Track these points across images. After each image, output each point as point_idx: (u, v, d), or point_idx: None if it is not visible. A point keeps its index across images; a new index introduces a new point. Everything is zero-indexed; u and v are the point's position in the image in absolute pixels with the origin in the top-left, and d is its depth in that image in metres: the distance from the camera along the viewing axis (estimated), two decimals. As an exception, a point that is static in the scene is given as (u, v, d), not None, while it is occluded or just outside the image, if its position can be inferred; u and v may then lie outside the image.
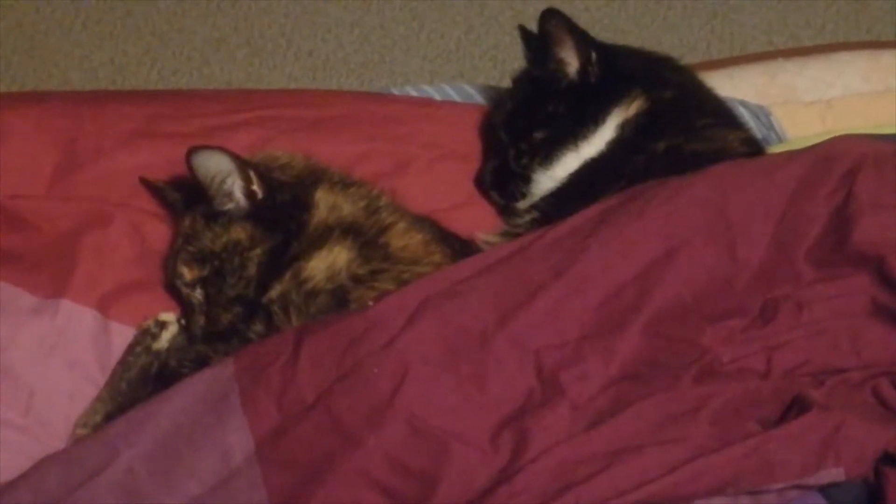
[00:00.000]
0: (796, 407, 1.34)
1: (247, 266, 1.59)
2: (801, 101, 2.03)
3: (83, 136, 1.77)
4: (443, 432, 1.33)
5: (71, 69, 2.81)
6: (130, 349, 1.62)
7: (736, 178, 1.51)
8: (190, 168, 1.57)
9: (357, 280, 1.56)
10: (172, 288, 1.66)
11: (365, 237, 1.60)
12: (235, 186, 1.59)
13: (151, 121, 1.81)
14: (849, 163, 1.48)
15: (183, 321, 1.64)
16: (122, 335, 1.63)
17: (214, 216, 1.60)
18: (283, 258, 1.59)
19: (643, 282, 1.42)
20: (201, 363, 1.52)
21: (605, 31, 2.83)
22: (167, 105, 1.87)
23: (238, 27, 2.85)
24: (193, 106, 1.86)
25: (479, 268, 1.48)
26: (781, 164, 1.53)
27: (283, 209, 1.61)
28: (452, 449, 1.32)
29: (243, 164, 1.59)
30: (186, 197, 1.67)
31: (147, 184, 1.73)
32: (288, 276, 1.58)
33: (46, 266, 1.66)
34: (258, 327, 1.57)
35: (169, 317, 1.64)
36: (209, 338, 1.59)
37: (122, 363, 1.61)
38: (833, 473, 1.28)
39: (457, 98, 1.99)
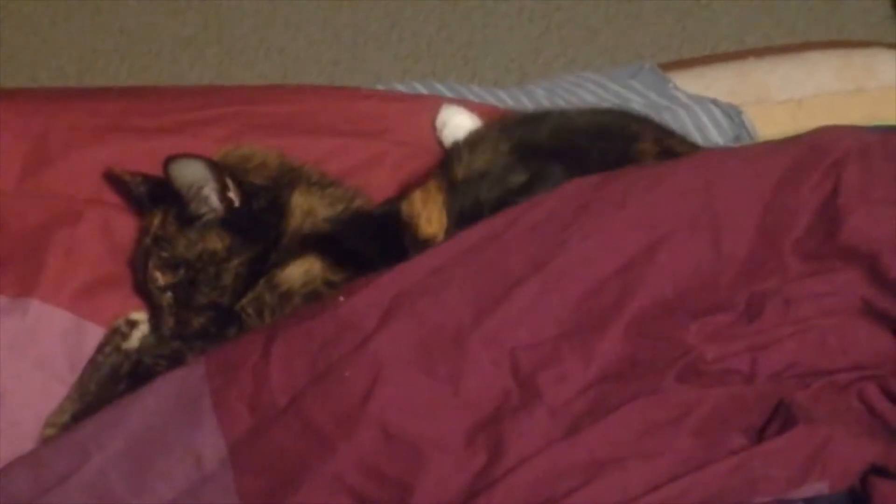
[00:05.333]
0: (781, 414, 1.32)
1: (222, 276, 1.57)
2: (773, 100, 2.03)
3: (53, 131, 1.75)
4: (416, 437, 1.31)
5: (39, 67, 2.80)
6: (100, 348, 1.60)
7: (720, 166, 1.49)
8: (167, 176, 1.55)
9: (332, 285, 1.55)
10: (142, 287, 1.64)
11: None
12: (212, 194, 1.58)
13: (122, 116, 1.79)
14: (836, 153, 1.46)
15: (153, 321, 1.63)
16: (92, 334, 1.61)
17: (188, 220, 1.59)
18: (260, 269, 1.57)
19: (625, 277, 1.39)
20: (176, 360, 1.50)
21: (578, 29, 2.85)
22: (138, 101, 1.85)
23: (208, 24, 2.84)
24: (165, 101, 1.85)
25: (453, 256, 1.44)
26: (767, 153, 1.51)
27: (260, 216, 1.60)
28: (427, 454, 1.30)
29: (220, 172, 1.57)
30: (153, 191, 1.65)
31: (113, 177, 1.71)
32: (261, 283, 1.57)
33: (15, 265, 1.65)
34: (232, 331, 1.55)
35: (140, 316, 1.63)
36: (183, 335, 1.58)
37: (92, 363, 1.59)
38: (817, 487, 1.27)
39: (428, 97, 1.99)
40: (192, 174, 1.56)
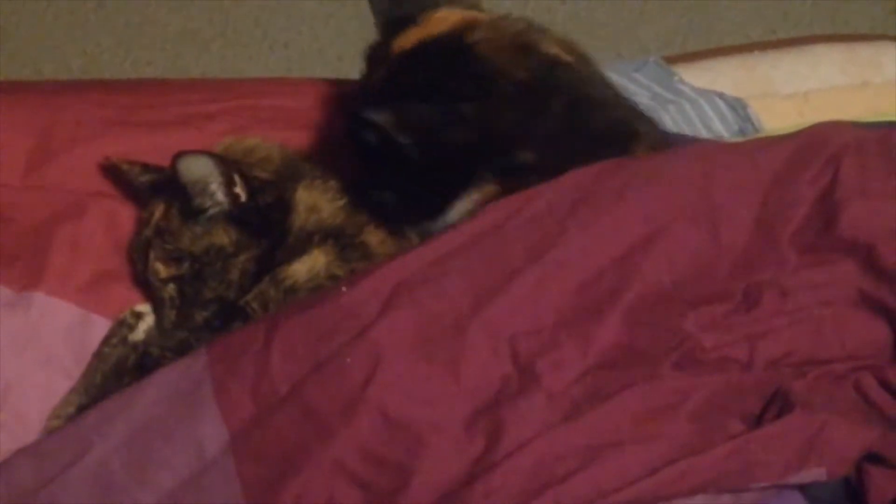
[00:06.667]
0: (778, 402, 1.33)
1: (230, 271, 1.57)
2: (779, 94, 2.04)
3: (58, 125, 1.75)
4: (416, 422, 1.31)
5: (43, 60, 2.80)
6: (106, 341, 1.60)
7: (719, 159, 1.49)
8: (175, 172, 1.55)
9: (336, 280, 1.55)
10: (142, 279, 1.64)
11: (345, 239, 1.59)
12: (218, 189, 1.58)
13: (127, 110, 1.79)
14: (833, 148, 1.47)
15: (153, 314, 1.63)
16: (98, 326, 1.61)
17: (192, 214, 1.59)
18: (267, 265, 1.57)
19: (623, 266, 1.40)
20: (183, 352, 1.49)
21: (582, 24, 2.85)
22: (143, 94, 1.86)
23: (212, 18, 2.84)
24: (169, 95, 1.85)
25: (453, 246, 1.44)
26: (765, 147, 1.52)
27: (265, 211, 1.60)
28: (426, 439, 1.30)
29: (227, 168, 1.57)
30: (153, 181, 1.65)
31: (111, 166, 1.70)
32: (266, 278, 1.57)
33: (20, 258, 1.64)
34: (236, 325, 1.55)
35: (146, 308, 1.62)
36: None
37: (98, 355, 1.59)
38: (814, 473, 1.27)
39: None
40: (199, 170, 1.56)
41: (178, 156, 1.55)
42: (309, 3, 2.86)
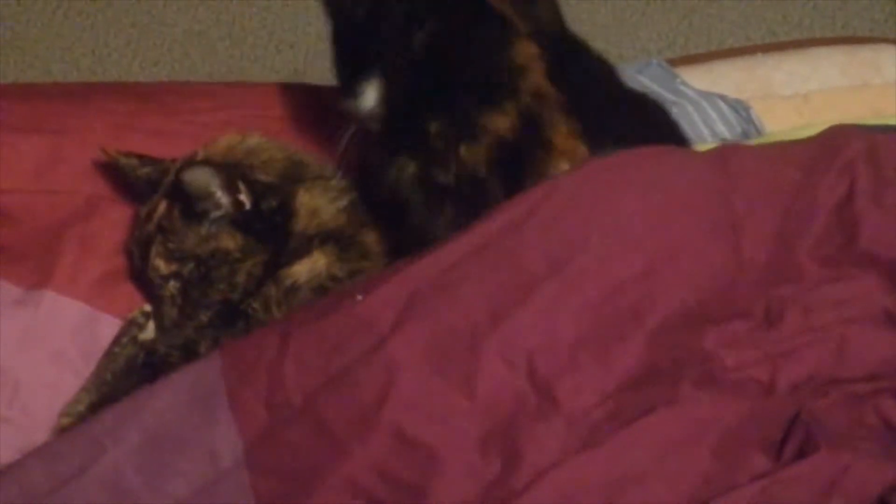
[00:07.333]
0: (800, 431, 1.29)
1: (236, 274, 1.59)
2: (779, 96, 2.05)
3: (69, 129, 1.76)
4: (430, 442, 1.28)
5: (52, 61, 2.81)
6: (117, 340, 1.62)
7: (741, 165, 1.47)
8: (179, 183, 1.57)
9: (336, 280, 1.57)
10: (140, 275, 1.65)
11: (344, 241, 1.61)
12: (223, 197, 1.59)
13: (136, 115, 1.80)
14: (846, 154, 1.46)
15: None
16: (108, 325, 1.63)
17: (195, 216, 1.60)
18: (273, 269, 1.59)
19: (645, 282, 1.36)
20: (189, 350, 1.52)
21: (584, 25, 2.84)
22: (153, 100, 1.86)
23: (219, 19, 2.84)
24: (179, 102, 1.86)
25: (469, 250, 1.40)
26: (783, 154, 1.50)
27: (269, 216, 1.61)
28: (440, 459, 1.27)
29: (232, 176, 1.59)
30: (153, 176, 1.67)
31: (110, 159, 1.71)
32: (268, 282, 1.59)
33: (30, 257, 1.66)
34: (239, 325, 1.57)
35: (155, 307, 1.64)
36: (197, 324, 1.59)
37: (108, 354, 1.61)
38: None
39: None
40: (203, 181, 1.57)
41: (183, 167, 1.57)
42: (314, 3, 2.86)
